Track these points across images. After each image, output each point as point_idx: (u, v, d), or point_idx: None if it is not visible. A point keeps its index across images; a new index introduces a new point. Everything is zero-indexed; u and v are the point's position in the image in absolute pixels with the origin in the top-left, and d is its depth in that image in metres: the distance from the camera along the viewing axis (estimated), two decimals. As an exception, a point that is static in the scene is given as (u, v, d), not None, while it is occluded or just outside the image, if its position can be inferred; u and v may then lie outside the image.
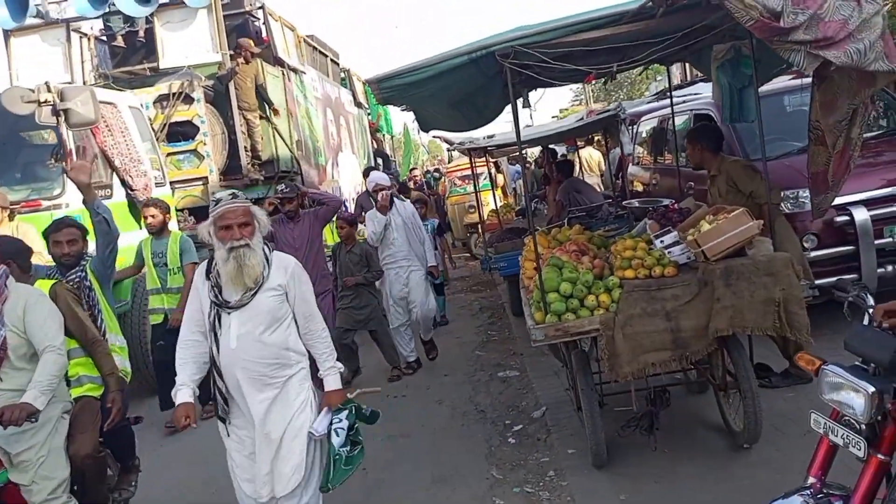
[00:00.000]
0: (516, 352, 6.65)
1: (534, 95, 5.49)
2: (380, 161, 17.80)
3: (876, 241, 4.92)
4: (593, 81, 4.19)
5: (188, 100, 7.98)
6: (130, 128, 7.00)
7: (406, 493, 4.11)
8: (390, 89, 3.58)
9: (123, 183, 6.79)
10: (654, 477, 3.68)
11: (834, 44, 3.12)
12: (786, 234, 4.19)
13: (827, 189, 3.69)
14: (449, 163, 17.58)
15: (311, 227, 6.09)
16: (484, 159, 11.00)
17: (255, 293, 2.94)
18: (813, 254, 5.00)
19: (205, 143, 8.13)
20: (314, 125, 10.69)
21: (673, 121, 5.81)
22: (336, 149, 12.15)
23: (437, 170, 18.15)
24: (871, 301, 2.23)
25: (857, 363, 2.10)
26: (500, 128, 8.07)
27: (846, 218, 4.94)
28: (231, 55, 8.41)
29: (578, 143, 11.54)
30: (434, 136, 11.07)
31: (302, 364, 3.12)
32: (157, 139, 7.77)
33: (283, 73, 9.45)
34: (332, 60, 13.56)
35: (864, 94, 3.23)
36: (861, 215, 4.92)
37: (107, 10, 8.38)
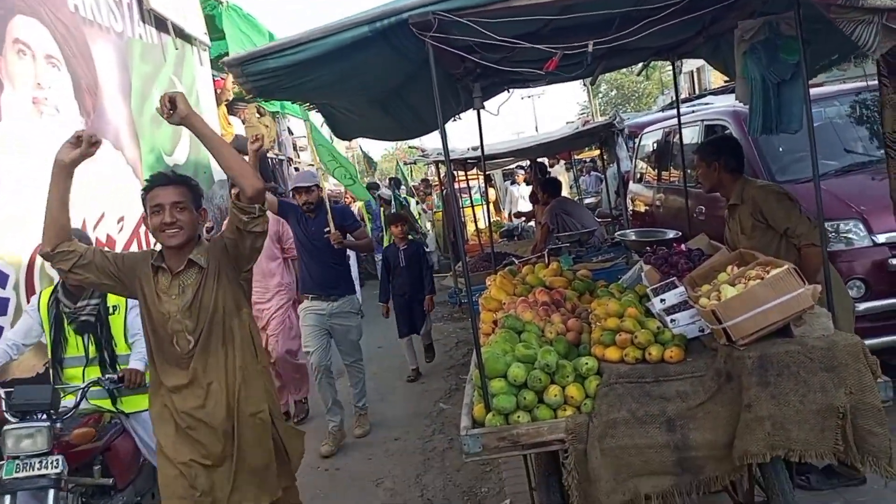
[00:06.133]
0: (487, 408, 5.46)
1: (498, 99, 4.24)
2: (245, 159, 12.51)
3: (947, 293, 3.76)
4: (565, 73, 2.99)
5: None
6: None
7: None
8: (262, 75, 2.39)
9: None
10: None
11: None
12: (839, 291, 3.00)
13: None
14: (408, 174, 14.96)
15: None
16: (474, 172, 9.90)
17: None
18: (861, 306, 3.86)
19: None
20: None
21: (680, 132, 4.64)
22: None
23: (424, 180, 16.22)
24: None
25: None
26: (496, 135, 6.86)
27: (906, 260, 3.78)
28: None
29: (549, 161, 10.35)
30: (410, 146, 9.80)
31: None
32: None
33: None
34: None
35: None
36: (927, 258, 3.77)
37: None
